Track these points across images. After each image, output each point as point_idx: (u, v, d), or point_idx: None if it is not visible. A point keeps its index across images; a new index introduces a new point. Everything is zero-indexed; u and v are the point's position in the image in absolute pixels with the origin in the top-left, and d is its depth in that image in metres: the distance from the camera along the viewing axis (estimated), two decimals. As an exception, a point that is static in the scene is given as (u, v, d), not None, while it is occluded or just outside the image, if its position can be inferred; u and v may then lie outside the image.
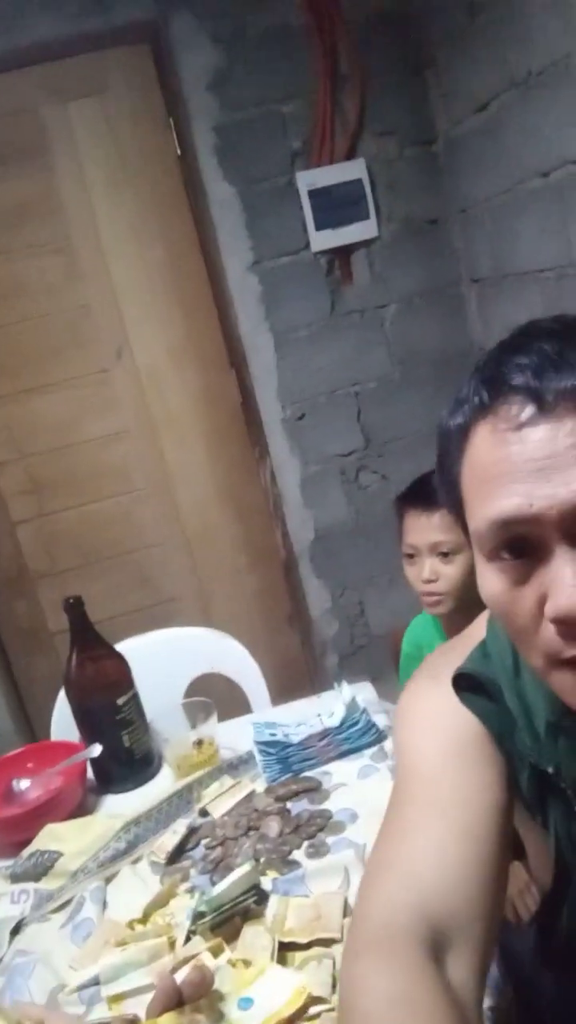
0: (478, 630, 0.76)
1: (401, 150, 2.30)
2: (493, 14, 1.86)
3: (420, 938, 0.60)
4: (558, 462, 0.55)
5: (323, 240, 2.28)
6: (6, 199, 2.23)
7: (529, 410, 0.56)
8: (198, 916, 0.89)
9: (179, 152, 2.29)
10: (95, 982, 0.86)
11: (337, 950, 0.82)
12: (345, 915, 0.87)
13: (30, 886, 1.06)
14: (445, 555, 1.40)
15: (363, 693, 1.32)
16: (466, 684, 0.71)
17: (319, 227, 2.27)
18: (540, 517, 0.56)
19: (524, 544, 0.58)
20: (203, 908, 0.89)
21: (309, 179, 2.24)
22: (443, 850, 0.64)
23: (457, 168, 2.23)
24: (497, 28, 1.85)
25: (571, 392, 0.55)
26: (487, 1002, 0.74)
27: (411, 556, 1.46)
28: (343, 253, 2.31)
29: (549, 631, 0.57)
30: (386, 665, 2.40)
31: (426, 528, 1.41)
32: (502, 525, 0.58)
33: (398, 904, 0.62)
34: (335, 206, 2.27)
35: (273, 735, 1.21)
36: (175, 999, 0.72)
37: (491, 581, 0.61)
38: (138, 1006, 0.81)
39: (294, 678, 2.54)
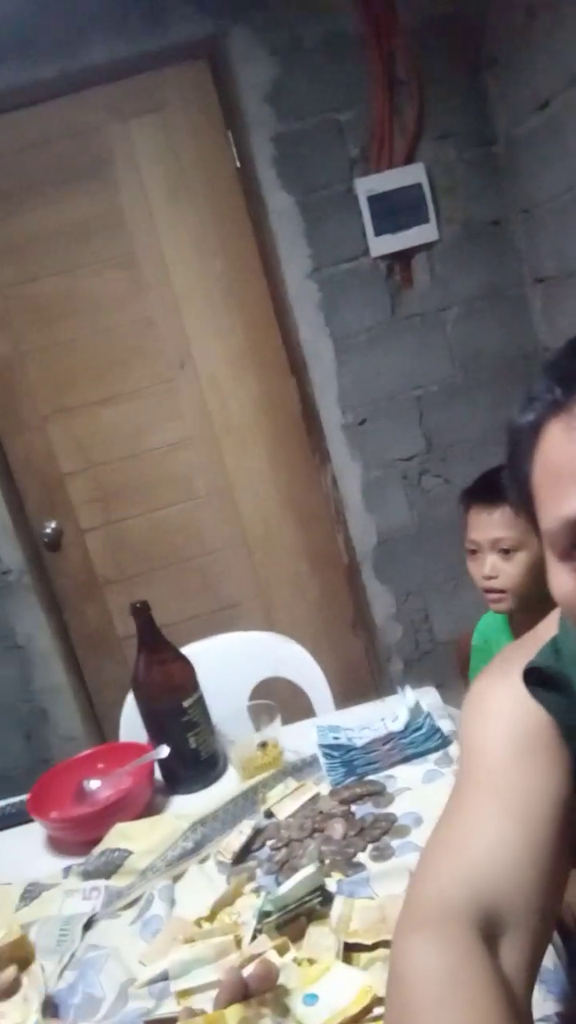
0: (549, 627, 0.75)
1: (460, 153, 2.29)
2: (553, 13, 1.85)
3: (472, 919, 0.60)
4: None
5: (382, 245, 2.28)
6: (72, 216, 2.30)
7: None
8: (264, 915, 0.90)
9: (238, 164, 2.33)
10: (164, 977, 0.88)
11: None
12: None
13: (101, 883, 1.09)
14: (506, 552, 1.40)
15: (427, 698, 1.32)
16: (536, 678, 0.70)
17: (378, 232, 2.27)
18: None
19: None
20: (269, 907, 0.90)
21: (368, 185, 2.25)
22: (501, 836, 0.64)
23: (518, 168, 2.21)
24: (557, 27, 1.83)
25: None
26: (554, 1007, 0.74)
27: (473, 552, 1.46)
28: (403, 257, 2.31)
29: None
30: (451, 671, 2.38)
31: (488, 524, 1.41)
32: (572, 524, 0.57)
33: (452, 885, 0.62)
34: (394, 211, 2.27)
35: (337, 739, 1.22)
36: (241, 992, 0.73)
37: (563, 580, 0.60)
38: (206, 1001, 0.83)
39: (358, 684, 2.54)
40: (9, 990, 0.91)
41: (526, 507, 0.64)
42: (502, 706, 0.72)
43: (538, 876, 0.63)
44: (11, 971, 0.92)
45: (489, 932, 0.60)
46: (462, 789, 0.70)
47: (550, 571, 0.62)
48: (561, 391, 0.59)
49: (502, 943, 0.60)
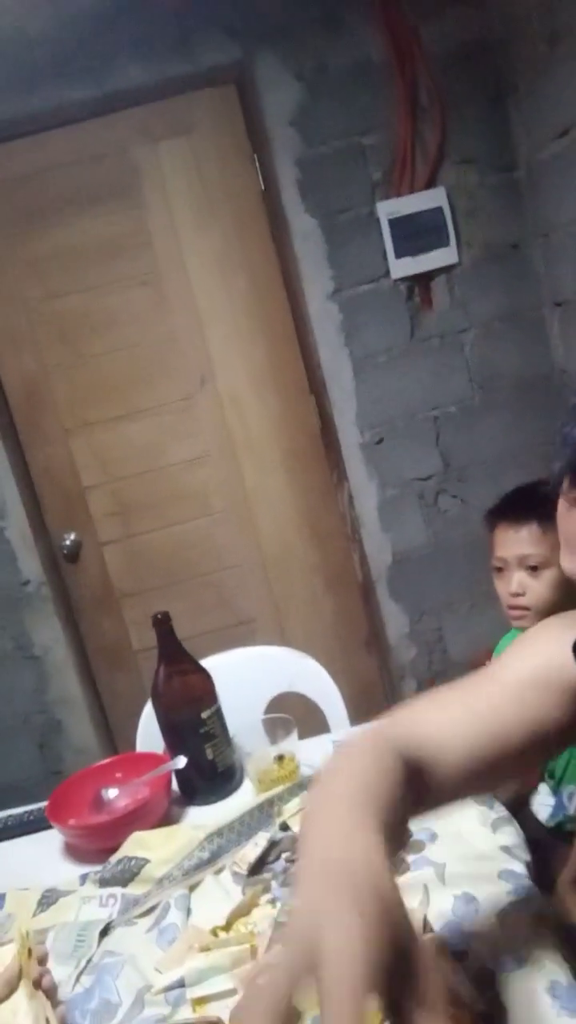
0: None
1: (482, 177, 2.32)
2: (574, 42, 1.88)
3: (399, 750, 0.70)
4: None
5: (403, 268, 2.31)
6: (100, 236, 2.35)
7: (574, 492, 0.64)
8: (279, 926, 0.91)
9: (263, 187, 2.37)
10: (180, 984, 0.89)
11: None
12: (424, 931, 0.88)
13: (118, 891, 1.10)
14: (533, 569, 1.41)
15: (442, 715, 1.32)
16: None
17: (399, 255, 2.30)
18: None
19: None
20: (284, 919, 0.91)
21: (389, 208, 2.28)
22: (456, 722, 0.76)
23: (539, 193, 2.24)
24: (579, 56, 1.86)
25: None
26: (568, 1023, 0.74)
27: (500, 570, 1.48)
28: (423, 280, 2.34)
29: None
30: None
31: (515, 541, 1.42)
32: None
33: (401, 726, 0.76)
34: (415, 234, 2.30)
35: (352, 753, 1.22)
36: None
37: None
38: (222, 1009, 0.84)
39: (372, 702, 2.54)
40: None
41: None
42: (548, 645, 0.80)
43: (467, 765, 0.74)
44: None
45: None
46: (480, 673, 0.82)
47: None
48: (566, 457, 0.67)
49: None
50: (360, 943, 0.49)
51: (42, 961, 0.95)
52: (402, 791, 0.66)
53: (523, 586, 1.42)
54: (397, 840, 0.66)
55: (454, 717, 0.77)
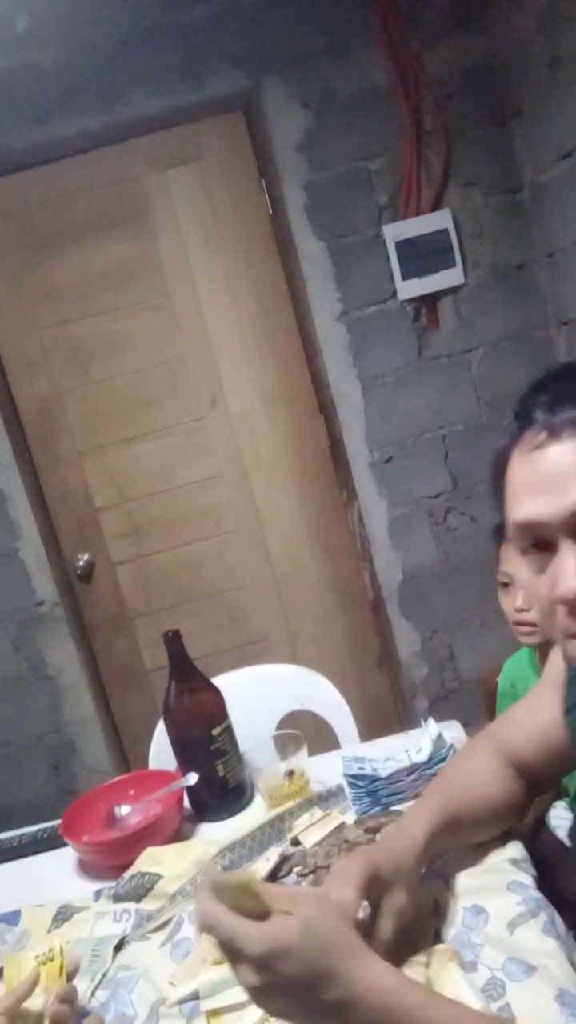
0: None
1: (487, 199, 2.36)
2: (575, 65, 1.92)
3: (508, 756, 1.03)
4: (563, 476, 0.71)
5: (410, 289, 2.34)
6: (111, 261, 2.40)
7: (543, 435, 0.72)
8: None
9: (270, 211, 2.41)
10: (194, 997, 0.90)
11: (426, 973, 0.84)
12: (434, 942, 0.89)
13: (131, 906, 1.11)
14: None
15: (451, 730, 1.33)
16: None
17: (406, 277, 2.34)
18: (549, 521, 0.71)
19: (541, 541, 0.74)
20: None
21: (396, 231, 2.32)
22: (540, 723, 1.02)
23: (543, 214, 2.27)
24: (579, 80, 1.90)
25: (571, 421, 0.71)
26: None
27: (505, 585, 1.48)
28: (430, 300, 2.37)
29: (560, 611, 0.73)
30: (477, 711, 2.38)
31: None
32: (523, 527, 0.74)
33: (508, 736, 1.06)
34: (422, 256, 2.33)
35: (362, 769, 1.24)
36: None
37: (523, 572, 0.79)
38: (235, 1021, 0.85)
39: (384, 720, 2.55)
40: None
41: (504, 521, 0.79)
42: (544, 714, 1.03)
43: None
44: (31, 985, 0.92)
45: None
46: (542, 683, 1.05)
47: (515, 566, 0.80)
48: (517, 425, 0.76)
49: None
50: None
51: (71, 976, 0.96)
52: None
53: (528, 601, 1.42)
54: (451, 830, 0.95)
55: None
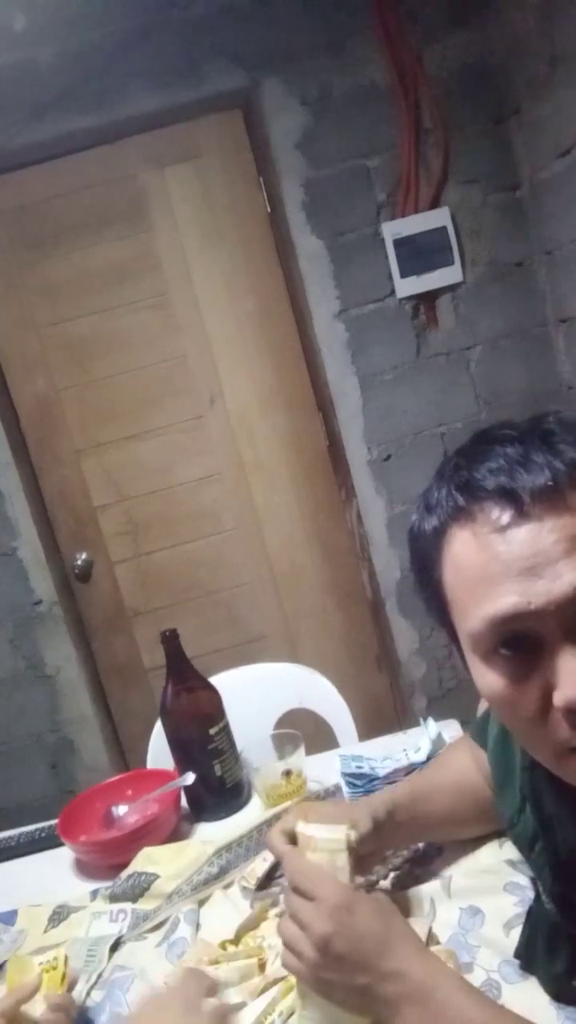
0: None
1: (485, 197, 2.35)
2: (574, 63, 1.91)
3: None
4: (547, 558, 0.59)
5: (408, 287, 2.34)
6: (109, 259, 2.39)
7: (508, 513, 0.61)
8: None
9: (269, 209, 2.41)
10: (189, 997, 0.90)
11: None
12: (430, 942, 0.89)
13: (128, 906, 1.11)
14: None
15: (449, 730, 1.33)
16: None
17: (404, 274, 2.33)
18: (539, 613, 0.59)
19: (523, 640, 0.61)
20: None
21: (394, 229, 2.31)
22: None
23: (542, 211, 2.27)
24: (578, 77, 1.89)
25: (544, 491, 0.60)
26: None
27: None
28: (428, 298, 2.37)
29: (557, 722, 0.61)
30: (475, 709, 2.38)
31: None
32: (501, 623, 0.61)
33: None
34: (420, 254, 2.33)
35: (360, 767, 1.24)
36: None
37: (491, 679, 0.64)
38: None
39: (382, 719, 2.54)
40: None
41: (439, 610, 0.70)
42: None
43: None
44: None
45: None
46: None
47: (475, 672, 0.67)
48: (463, 499, 0.64)
49: None
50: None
51: (71, 986, 0.96)
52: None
53: None
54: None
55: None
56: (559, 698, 0.59)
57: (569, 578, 0.58)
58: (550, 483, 0.60)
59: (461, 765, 1.04)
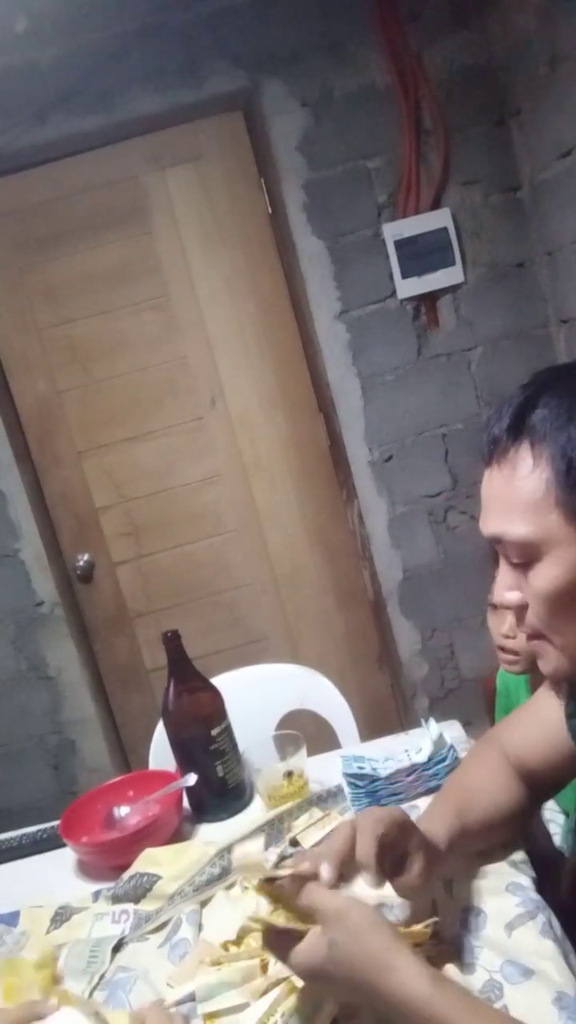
0: None
1: (486, 198, 2.35)
2: (574, 64, 1.91)
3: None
4: (487, 503, 0.79)
5: (409, 288, 2.34)
6: (110, 260, 2.39)
7: (486, 455, 0.79)
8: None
9: (270, 210, 2.41)
10: (191, 999, 0.90)
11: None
12: (432, 944, 0.88)
13: (130, 907, 1.11)
14: None
15: (451, 731, 1.33)
16: None
17: (405, 275, 2.33)
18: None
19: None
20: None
21: (395, 230, 2.31)
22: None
23: (543, 212, 2.27)
24: (578, 78, 1.89)
25: (494, 443, 0.77)
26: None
27: (495, 607, 1.46)
28: (429, 299, 2.37)
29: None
30: (478, 709, 2.38)
31: None
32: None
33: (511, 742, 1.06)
34: (421, 254, 2.33)
35: (361, 768, 1.23)
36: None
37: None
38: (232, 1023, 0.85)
39: (384, 719, 2.54)
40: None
41: None
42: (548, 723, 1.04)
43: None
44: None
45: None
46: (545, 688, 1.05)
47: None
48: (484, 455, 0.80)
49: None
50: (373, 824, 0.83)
51: (57, 981, 0.96)
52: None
53: (515, 629, 1.40)
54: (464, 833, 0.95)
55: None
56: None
57: (491, 522, 0.78)
58: (498, 437, 0.76)
59: (495, 778, 1.03)
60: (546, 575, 0.76)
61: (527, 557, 0.77)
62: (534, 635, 0.82)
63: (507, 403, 0.77)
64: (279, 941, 0.77)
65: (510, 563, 0.80)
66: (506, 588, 0.81)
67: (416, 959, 0.72)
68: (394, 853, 0.85)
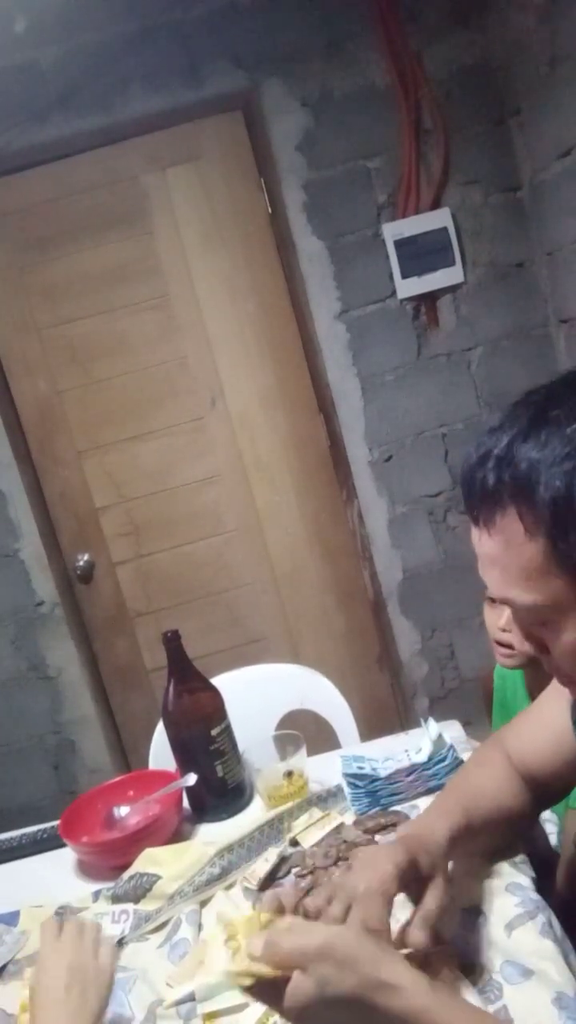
0: None
1: (486, 198, 2.35)
2: (574, 64, 1.91)
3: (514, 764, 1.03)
4: (482, 563, 0.72)
5: (409, 287, 2.34)
6: (110, 261, 2.39)
7: (471, 513, 0.71)
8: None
9: (270, 210, 2.41)
10: (191, 998, 0.90)
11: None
12: (434, 944, 0.88)
13: (130, 907, 1.11)
14: None
15: (451, 731, 1.33)
16: None
17: (405, 275, 2.33)
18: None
19: None
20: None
21: (395, 230, 2.31)
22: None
23: (543, 212, 2.27)
24: (578, 77, 1.89)
25: (484, 500, 0.68)
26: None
27: (493, 601, 1.46)
28: (429, 299, 2.37)
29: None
30: (478, 709, 2.38)
31: None
32: None
33: (517, 747, 1.05)
34: (421, 254, 2.33)
35: (361, 768, 1.24)
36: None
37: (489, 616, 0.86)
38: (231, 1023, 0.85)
39: (384, 719, 2.54)
40: None
41: None
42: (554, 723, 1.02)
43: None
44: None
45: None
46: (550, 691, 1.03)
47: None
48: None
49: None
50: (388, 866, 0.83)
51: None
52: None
53: (511, 624, 1.40)
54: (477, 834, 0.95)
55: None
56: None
57: (493, 589, 0.72)
58: (483, 498, 0.68)
59: (500, 781, 1.02)
60: (565, 639, 0.71)
61: (542, 617, 0.71)
62: (565, 681, 0.79)
63: (483, 455, 0.69)
64: (269, 992, 0.73)
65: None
66: (525, 637, 0.77)
67: (410, 971, 0.71)
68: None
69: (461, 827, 0.92)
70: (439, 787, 1.21)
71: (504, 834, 1.01)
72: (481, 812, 0.97)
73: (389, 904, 0.80)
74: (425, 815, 0.96)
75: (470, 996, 0.79)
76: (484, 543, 0.70)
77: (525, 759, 1.02)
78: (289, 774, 1.27)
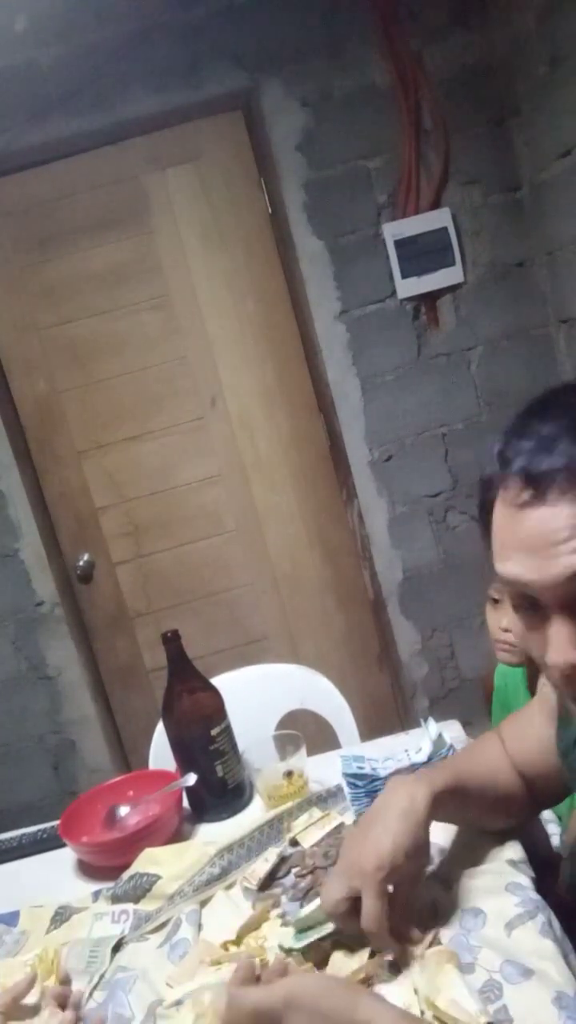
0: None
1: (486, 198, 2.35)
2: (575, 64, 1.91)
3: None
4: (551, 541, 0.66)
5: (409, 287, 2.34)
6: (110, 261, 2.39)
7: (527, 493, 0.66)
8: (287, 951, 0.92)
9: (270, 210, 2.41)
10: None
11: (424, 975, 0.84)
12: (433, 944, 0.88)
13: (130, 907, 1.11)
14: None
15: (450, 730, 1.33)
16: None
17: (405, 275, 2.33)
18: (534, 584, 0.68)
19: (530, 601, 0.70)
20: (291, 945, 0.91)
21: (395, 230, 2.31)
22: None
23: (543, 212, 2.27)
24: (578, 78, 1.89)
25: (561, 478, 0.65)
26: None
27: (496, 601, 1.46)
28: (429, 299, 2.37)
29: (558, 674, 0.70)
30: (478, 709, 2.38)
31: None
32: (508, 583, 0.71)
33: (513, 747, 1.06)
34: (421, 254, 2.33)
35: (361, 768, 1.23)
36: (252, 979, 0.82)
37: (516, 623, 0.77)
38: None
39: (384, 719, 2.54)
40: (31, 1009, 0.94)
41: (489, 547, 0.75)
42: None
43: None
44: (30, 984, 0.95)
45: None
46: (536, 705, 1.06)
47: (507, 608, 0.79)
48: (498, 468, 0.70)
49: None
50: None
51: (65, 980, 0.98)
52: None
53: (513, 623, 1.41)
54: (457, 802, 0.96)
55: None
56: (549, 659, 0.69)
57: (565, 561, 0.65)
58: (569, 470, 0.65)
59: (495, 760, 1.05)
60: None
61: None
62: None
63: (548, 441, 0.66)
64: None
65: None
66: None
67: (379, 1003, 0.75)
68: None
69: (452, 785, 0.95)
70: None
71: (495, 811, 1.03)
72: (475, 780, 1.00)
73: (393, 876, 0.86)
74: (413, 776, 0.99)
75: (470, 995, 0.79)
76: (565, 515, 0.65)
77: (517, 757, 1.04)
78: (289, 774, 1.27)
